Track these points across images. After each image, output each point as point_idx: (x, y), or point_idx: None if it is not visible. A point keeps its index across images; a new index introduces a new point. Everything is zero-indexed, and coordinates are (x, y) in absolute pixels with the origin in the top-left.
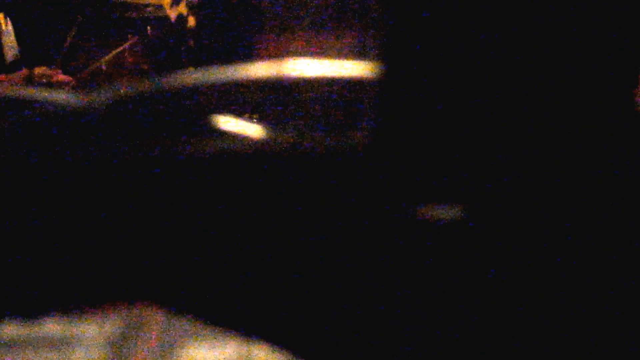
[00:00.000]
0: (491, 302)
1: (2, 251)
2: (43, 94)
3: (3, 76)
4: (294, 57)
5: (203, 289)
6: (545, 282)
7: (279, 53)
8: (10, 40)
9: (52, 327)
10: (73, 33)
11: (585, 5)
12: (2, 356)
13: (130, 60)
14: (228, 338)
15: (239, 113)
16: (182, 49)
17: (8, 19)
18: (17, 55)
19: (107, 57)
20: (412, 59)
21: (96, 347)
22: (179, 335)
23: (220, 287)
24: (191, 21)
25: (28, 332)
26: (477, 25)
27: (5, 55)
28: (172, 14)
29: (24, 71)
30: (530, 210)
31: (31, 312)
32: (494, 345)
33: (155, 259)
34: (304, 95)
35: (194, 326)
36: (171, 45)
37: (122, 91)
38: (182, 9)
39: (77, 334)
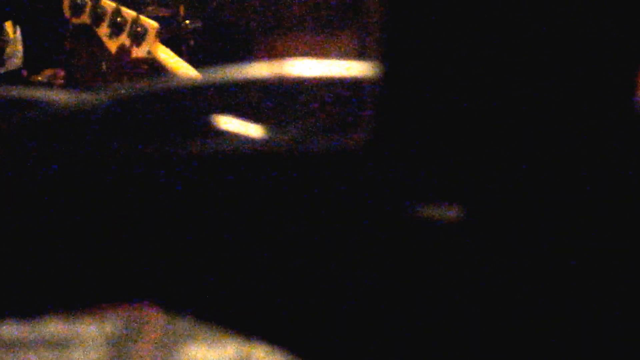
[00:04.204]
0: (491, 302)
1: (2, 251)
2: (43, 94)
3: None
4: (294, 57)
5: (203, 289)
6: (546, 282)
7: (279, 53)
8: (16, 48)
9: (52, 327)
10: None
11: (585, 5)
12: (2, 356)
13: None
14: (228, 338)
15: (239, 113)
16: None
17: (17, 26)
18: (20, 64)
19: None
20: (412, 59)
21: (96, 347)
22: (179, 335)
23: (220, 287)
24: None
25: (28, 332)
26: (477, 24)
27: (10, 62)
28: (112, 46)
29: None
30: (530, 210)
31: (31, 312)
32: (494, 346)
33: (155, 259)
34: (304, 95)
35: (194, 326)
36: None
37: (122, 91)
38: (124, 39)
39: (77, 334)
